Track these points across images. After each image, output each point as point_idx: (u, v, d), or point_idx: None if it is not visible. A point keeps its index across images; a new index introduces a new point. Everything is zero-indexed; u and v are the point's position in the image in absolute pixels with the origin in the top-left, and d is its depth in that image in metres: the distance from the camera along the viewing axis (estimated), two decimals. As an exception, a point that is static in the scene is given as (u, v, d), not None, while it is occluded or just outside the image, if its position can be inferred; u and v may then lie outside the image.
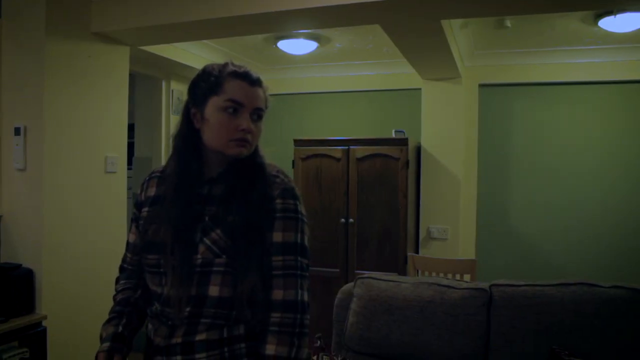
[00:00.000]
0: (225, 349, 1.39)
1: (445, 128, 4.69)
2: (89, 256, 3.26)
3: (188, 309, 1.38)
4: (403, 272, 4.20)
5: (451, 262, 3.70)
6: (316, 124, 5.41)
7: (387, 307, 2.67)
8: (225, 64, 1.47)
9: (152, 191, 1.56)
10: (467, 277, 3.61)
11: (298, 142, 4.70)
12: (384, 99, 5.28)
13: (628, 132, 4.62)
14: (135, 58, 3.86)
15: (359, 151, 4.46)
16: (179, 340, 1.39)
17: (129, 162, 4.19)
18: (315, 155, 4.59)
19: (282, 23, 3.19)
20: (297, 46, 4.45)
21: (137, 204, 1.59)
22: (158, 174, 1.58)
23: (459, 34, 4.06)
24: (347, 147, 4.50)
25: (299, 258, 1.42)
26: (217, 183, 1.47)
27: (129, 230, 1.62)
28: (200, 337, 1.38)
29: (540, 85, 4.79)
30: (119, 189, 3.51)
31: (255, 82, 1.47)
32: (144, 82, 4.77)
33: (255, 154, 1.50)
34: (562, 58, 4.67)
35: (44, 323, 3.00)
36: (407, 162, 4.34)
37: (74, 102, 3.19)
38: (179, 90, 4.84)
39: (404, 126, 4.88)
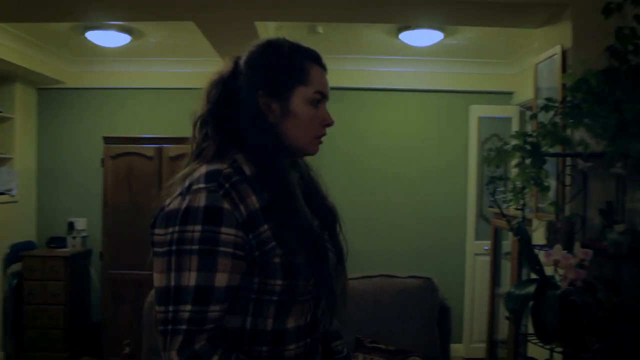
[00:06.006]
0: None
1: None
2: None
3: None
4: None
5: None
6: (128, 121, 5.15)
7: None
8: (297, 44, 1.25)
9: (254, 202, 1.10)
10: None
11: (108, 140, 4.53)
12: (199, 97, 5.20)
13: (424, 135, 5.09)
14: None
15: (172, 150, 4.41)
16: None
17: None
18: (127, 154, 4.45)
19: (88, 12, 3.01)
20: (107, 38, 4.21)
21: (238, 225, 1.07)
22: (237, 178, 1.11)
23: (273, 36, 4.14)
24: (160, 146, 4.43)
25: None
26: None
27: (215, 270, 1.05)
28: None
29: (347, 90, 5.04)
30: None
31: (326, 69, 1.27)
32: None
33: None
34: (370, 66, 5.00)
35: None
36: (223, 162, 4.34)
37: None
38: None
39: (221, 125, 4.87)
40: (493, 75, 5.03)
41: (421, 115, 5.12)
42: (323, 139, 1.27)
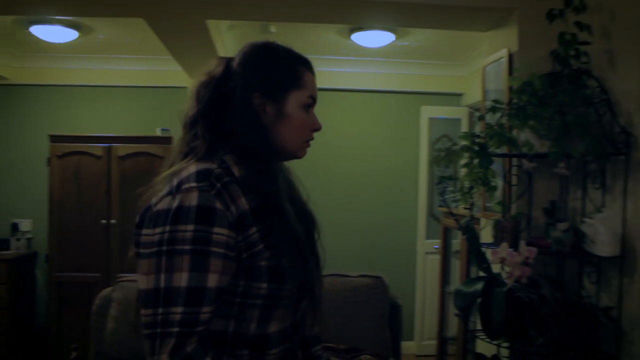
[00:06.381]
0: None
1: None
2: None
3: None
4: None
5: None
6: (76, 120, 5.02)
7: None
8: (290, 49, 1.27)
9: (243, 203, 1.09)
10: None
11: (55, 138, 4.39)
12: (150, 96, 5.10)
13: (376, 135, 5.15)
14: None
15: (122, 149, 4.33)
16: None
17: None
18: (74, 153, 4.34)
19: (31, 5, 2.91)
20: (54, 33, 4.08)
21: (230, 226, 1.06)
22: (228, 179, 1.10)
23: (226, 34, 4.11)
24: (109, 145, 4.34)
25: None
26: None
27: (207, 270, 1.03)
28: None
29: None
30: None
31: (315, 74, 1.31)
32: None
33: None
34: (322, 66, 5.00)
35: None
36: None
37: None
38: None
39: (171, 125, 4.79)
40: (443, 77, 5.12)
41: (373, 115, 5.17)
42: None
